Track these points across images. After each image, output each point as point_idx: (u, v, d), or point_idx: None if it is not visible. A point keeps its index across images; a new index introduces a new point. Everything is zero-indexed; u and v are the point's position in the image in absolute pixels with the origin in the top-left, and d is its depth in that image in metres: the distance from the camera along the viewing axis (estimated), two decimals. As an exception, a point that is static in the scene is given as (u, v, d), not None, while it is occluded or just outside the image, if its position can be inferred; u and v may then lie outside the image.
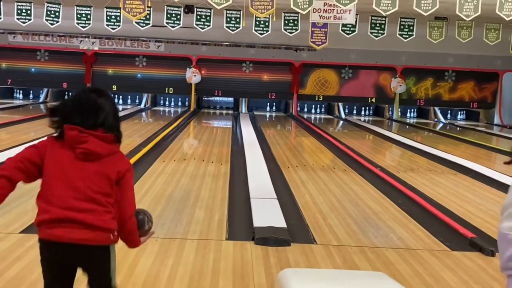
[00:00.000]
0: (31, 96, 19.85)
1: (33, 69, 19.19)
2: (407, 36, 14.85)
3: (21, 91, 19.88)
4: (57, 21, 14.71)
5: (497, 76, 19.72)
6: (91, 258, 2.43)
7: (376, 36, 14.80)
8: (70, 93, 20.00)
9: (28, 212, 5.31)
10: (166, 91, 19.40)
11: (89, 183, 2.38)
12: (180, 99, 20.16)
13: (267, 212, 5.62)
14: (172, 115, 17.38)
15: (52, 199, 2.37)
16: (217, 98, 20.31)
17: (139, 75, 19.02)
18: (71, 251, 2.37)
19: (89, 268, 2.47)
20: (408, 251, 4.75)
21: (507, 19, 11.22)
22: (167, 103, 20.19)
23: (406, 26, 14.75)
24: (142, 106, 19.19)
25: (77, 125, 2.40)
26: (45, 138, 2.51)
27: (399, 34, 14.80)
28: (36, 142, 2.53)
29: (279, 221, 5.25)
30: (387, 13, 11.30)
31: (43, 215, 2.38)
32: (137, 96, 19.79)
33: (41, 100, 19.34)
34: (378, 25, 14.66)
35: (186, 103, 19.89)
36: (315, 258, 4.48)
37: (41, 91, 19.66)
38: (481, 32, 14.96)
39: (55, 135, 2.48)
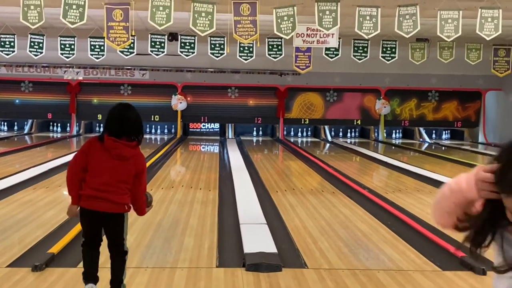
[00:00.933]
0: (15, 127, 19.74)
1: (17, 101, 19.11)
2: (390, 58, 15.03)
3: (5, 123, 19.78)
4: (41, 52, 14.71)
5: (480, 95, 19.96)
6: (112, 220, 3.69)
7: (359, 59, 14.97)
8: (55, 124, 19.98)
9: (14, 246, 5.23)
10: (152, 119, 19.39)
11: (115, 175, 3.62)
12: (166, 126, 20.16)
13: (257, 238, 5.58)
14: (158, 143, 17.33)
15: (90, 183, 3.64)
16: (204, 129, 20.37)
17: (124, 104, 18.96)
18: (99, 215, 3.66)
19: (110, 227, 3.73)
20: (400, 273, 4.73)
21: (487, 38, 11.41)
22: (153, 130, 20.17)
23: (389, 49, 14.95)
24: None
25: (112, 135, 3.64)
26: (89, 139, 3.80)
27: (382, 57, 14.99)
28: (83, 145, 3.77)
29: (270, 247, 5.21)
30: (369, 36, 11.44)
31: (83, 191, 3.66)
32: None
33: (25, 131, 19.23)
34: (361, 48, 14.84)
35: (173, 130, 19.87)
36: (307, 282, 4.44)
37: (25, 123, 19.57)
38: (463, 52, 15.20)
39: (98, 136, 3.74)
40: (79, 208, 3.73)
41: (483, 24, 11.15)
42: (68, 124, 19.43)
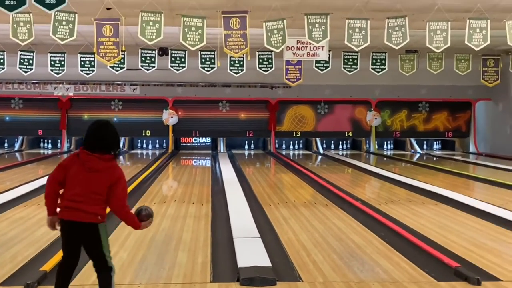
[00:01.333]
0: (6, 145, 19.63)
1: (7, 118, 19.04)
2: (380, 70, 15.10)
3: (-5, 140, 19.68)
4: (31, 69, 14.68)
5: (470, 105, 20.09)
6: (85, 230, 3.74)
7: (350, 71, 15.03)
8: (45, 140, 19.89)
9: (6, 264, 5.18)
10: (143, 134, 19.37)
11: (89, 186, 3.73)
12: (157, 141, 20.13)
13: (251, 252, 5.55)
14: (150, 158, 17.29)
15: (66, 195, 3.77)
16: (195, 143, 20.36)
17: (115, 119, 18.93)
18: (73, 225, 3.73)
19: (84, 238, 3.76)
20: (395, 284, 4.71)
21: (476, 49, 11.49)
22: (144, 145, 20.13)
23: (378, 60, 15.02)
24: (119, 149, 19.04)
25: (86, 149, 3.80)
26: (70, 154, 4.06)
27: (372, 68, 15.05)
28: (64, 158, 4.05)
29: (264, 260, 5.19)
30: (359, 48, 11.50)
31: (60, 203, 3.78)
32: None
33: (16, 148, 19.12)
34: (350, 60, 14.91)
35: (164, 145, 19.84)
36: (302, 296, 4.42)
37: (16, 139, 19.47)
38: (452, 63, 15.31)
39: (76, 152, 3.89)
40: (58, 220, 3.83)
41: (471, 35, 11.24)
42: (59, 141, 19.37)
